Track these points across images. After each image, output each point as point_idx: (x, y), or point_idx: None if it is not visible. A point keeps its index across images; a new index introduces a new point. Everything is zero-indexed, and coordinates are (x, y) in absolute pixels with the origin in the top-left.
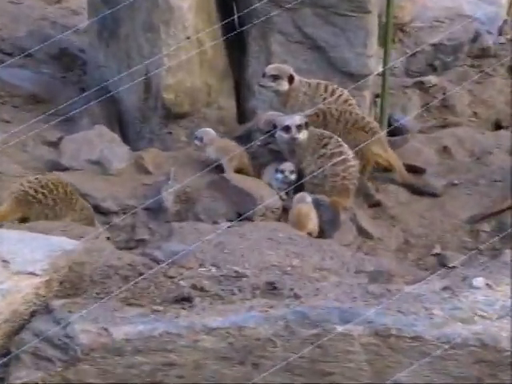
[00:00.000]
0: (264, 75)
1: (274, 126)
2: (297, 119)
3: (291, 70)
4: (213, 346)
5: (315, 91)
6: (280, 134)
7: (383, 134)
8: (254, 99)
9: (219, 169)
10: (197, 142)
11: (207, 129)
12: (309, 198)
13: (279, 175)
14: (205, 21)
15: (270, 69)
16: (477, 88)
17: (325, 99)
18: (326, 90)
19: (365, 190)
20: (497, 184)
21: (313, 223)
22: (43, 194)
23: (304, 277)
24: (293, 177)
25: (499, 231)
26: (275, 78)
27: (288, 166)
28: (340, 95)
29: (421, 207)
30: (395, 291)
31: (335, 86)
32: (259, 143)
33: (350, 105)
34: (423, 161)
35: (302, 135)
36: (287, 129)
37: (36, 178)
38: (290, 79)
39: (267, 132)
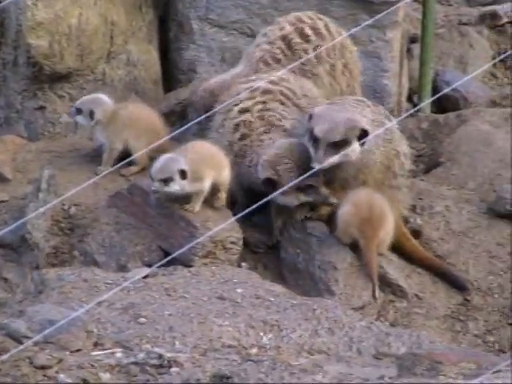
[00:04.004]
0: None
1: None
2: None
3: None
4: None
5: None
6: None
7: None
8: (194, 47)
9: (131, 170)
10: (80, 119)
11: (98, 95)
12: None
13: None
14: None
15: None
16: None
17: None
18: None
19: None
20: None
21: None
22: None
23: (282, 365)
24: (175, 187)
25: None
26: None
27: (160, 171)
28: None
29: (490, 238)
30: None
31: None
32: (195, 129)
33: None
34: (495, 157)
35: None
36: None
37: None
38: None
39: (207, 111)
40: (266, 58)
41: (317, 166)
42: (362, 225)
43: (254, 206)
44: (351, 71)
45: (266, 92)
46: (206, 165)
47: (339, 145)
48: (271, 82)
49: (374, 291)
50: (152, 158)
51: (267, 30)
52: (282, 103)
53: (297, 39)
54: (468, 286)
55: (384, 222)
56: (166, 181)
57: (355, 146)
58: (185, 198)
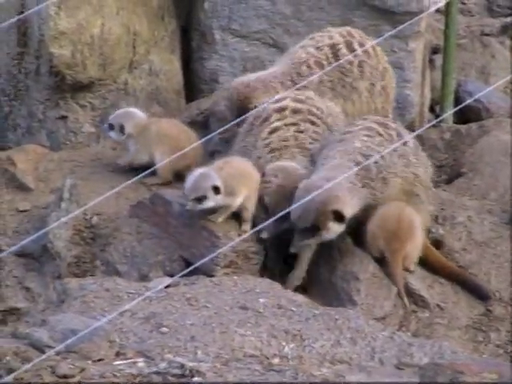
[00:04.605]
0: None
1: None
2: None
3: None
4: None
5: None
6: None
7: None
8: (216, 57)
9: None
10: (113, 134)
11: (130, 109)
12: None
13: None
14: None
15: None
16: None
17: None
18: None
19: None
20: None
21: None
22: None
23: (304, 375)
24: (209, 203)
25: None
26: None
27: (194, 188)
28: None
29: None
30: None
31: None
32: (217, 139)
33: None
34: None
35: None
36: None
37: None
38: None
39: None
40: (310, 63)
41: (292, 251)
42: (388, 237)
43: (273, 219)
44: (388, 94)
45: (295, 111)
46: (241, 182)
47: (312, 229)
48: (298, 101)
49: (402, 298)
50: (177, 174)
51: (315, 35)
52: (313, 123)
53: (344, 50)
54: (490, 296)
55: (412, 236)
56: (200, 199)
57: (330, 227)
58: (212, 210)
